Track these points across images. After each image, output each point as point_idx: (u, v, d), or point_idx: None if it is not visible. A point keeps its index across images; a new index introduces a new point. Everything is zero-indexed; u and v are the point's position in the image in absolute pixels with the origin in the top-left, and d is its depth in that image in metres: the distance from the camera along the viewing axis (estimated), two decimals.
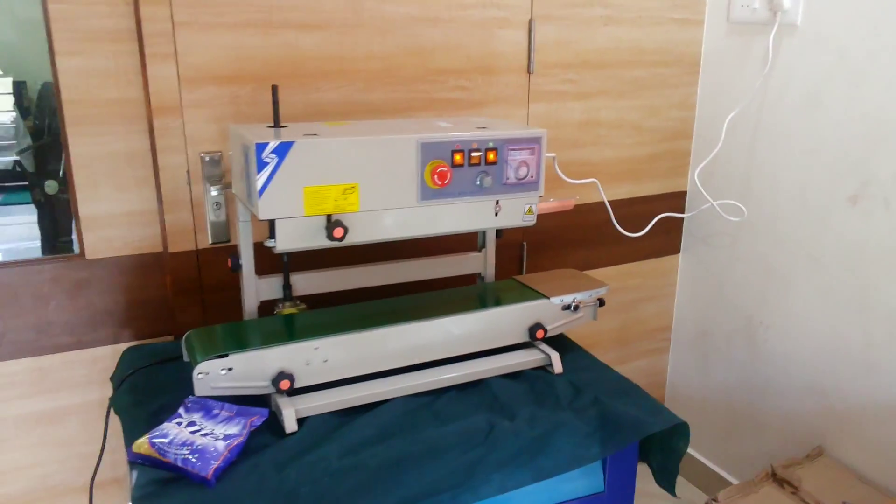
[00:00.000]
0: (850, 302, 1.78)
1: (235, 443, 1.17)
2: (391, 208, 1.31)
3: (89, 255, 1.55)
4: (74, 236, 1.54)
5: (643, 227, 1.97)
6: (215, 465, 1.13)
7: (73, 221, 1.53)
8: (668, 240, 2.23)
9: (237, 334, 1.35)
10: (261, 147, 1.19)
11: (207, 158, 1.56)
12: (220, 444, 1.15)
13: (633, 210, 2.09)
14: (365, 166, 1.27)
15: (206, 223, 1.60)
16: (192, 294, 1.63)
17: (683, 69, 2.06)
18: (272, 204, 1.22)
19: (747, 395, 2.09)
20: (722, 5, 1.99)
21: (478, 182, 1.37)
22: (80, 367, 1.60)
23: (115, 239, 1.56)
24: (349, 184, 1.27)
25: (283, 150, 1.20)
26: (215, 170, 1.58)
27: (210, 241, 1.62)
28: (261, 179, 1.20)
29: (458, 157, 1.34)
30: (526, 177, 1.41)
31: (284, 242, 1.25)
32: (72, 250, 1.54)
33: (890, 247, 1.67)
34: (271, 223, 1.26)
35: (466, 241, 1.82)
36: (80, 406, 1.62)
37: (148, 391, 1.39)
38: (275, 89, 1.33)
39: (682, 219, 2.22)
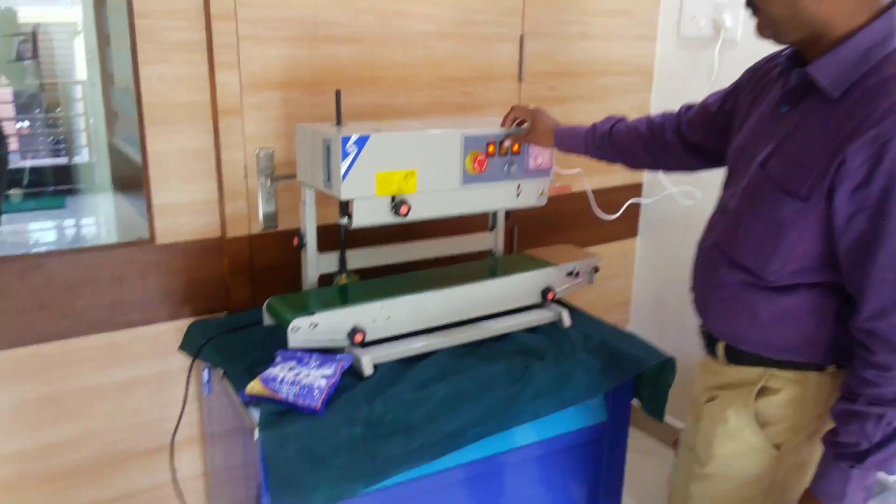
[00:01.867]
0: None
1: (333, 381, 1.43)
2: (441, 190, 1.60)
3: (159, 240, 1.76)
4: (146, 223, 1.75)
5: (612, 213, 2.32)
6: (321, 397, 1.38)
7: (147, 210, 1.74)
8: (628, 225, 2.59)
9: (312, 300, 1.60)
10: (345, 140, 1.45)
11: (262, 154, 1.81)
12: (322, 382, 1.41)
13: (602, 199, 2.43)
14: (420, 155, 1.56)
15: (258, 211, 1.84)
16: (245, 274, 1.86)
17: (642, 78, 2.44)
18: (352, 187, 1.49)
19: (698, 354, 2.47)
20: (673, 23, 2.37)
21: (506, 168, 1.67)
22: (146, 341, 1.81)
23: (181, 226, 1.78)
24: (409, 170, 1.55)
25: (361, 143, 1.48)
26: (268, 164, 1.82)
27: (262, 227, 1.86)
28: (344, 166, 1.47)
29: (491, 149, 1.64)
30: (541, 165, 1.72)
31: (360, 218, 1.53)
32: None
33: None
34: (345, 204, 1.53)
35: (470, 224, 2.11)
36: (145, 377, 1.82)
37: (233, 352, 1.62)
38: (338, 94, 1.59)
39: (639, 206, 2.59)
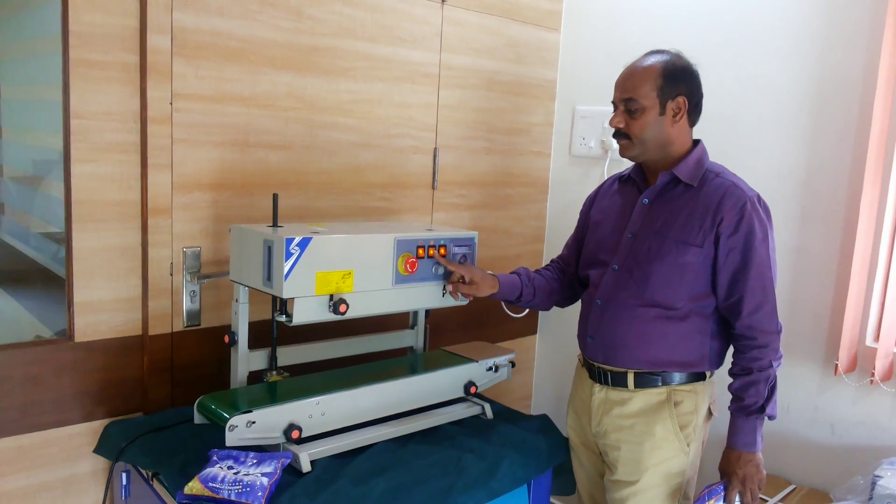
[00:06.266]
0: None
1: (275, 478, 1.43)
2: (374, 290, 1.68)
3: (78, 338, 1.71)
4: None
5: (519, 312, 2.47)
6: (265, 495, 1.38)
7: (67, 307, 1.70)
8: (529, 322, 2.75)
9: (246, 397, 1.61)
10: (289, 241, 1.52)
11: (189, 252, 1.82)
12: (264, 480, 1.41)
13: None
14: (357, 257, 1.64)
15: (182, 309, 1.84)
16: (165, 373, 1.83)
17: (538, 189, 2.66)
18: (293, 286, 1.54)
19: None
20: (565, 142, 2.63)
21: (433, 270, 1.78)
22: (56, 444, 1.72)
23: (101, 323, 1.74)
24: (347, 270, 1.63)
25: (304, 244, 1.55)
26: (195, 262, 1.84)
27: (184, 325, 1.85)
28: (287, 266, 1.53)
29: (420, 251, 1.75)
30: None
31: (300, 316, 1.57)
32: None
33: None
34: (285, 301, 1.57)
35: (387, 322, 2.19)
36: (51, 484, 1.73)
37: (161, 453, 1.58)
38: (275, 198, 1.67)
39: None
